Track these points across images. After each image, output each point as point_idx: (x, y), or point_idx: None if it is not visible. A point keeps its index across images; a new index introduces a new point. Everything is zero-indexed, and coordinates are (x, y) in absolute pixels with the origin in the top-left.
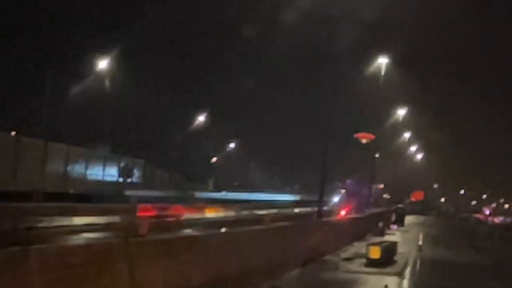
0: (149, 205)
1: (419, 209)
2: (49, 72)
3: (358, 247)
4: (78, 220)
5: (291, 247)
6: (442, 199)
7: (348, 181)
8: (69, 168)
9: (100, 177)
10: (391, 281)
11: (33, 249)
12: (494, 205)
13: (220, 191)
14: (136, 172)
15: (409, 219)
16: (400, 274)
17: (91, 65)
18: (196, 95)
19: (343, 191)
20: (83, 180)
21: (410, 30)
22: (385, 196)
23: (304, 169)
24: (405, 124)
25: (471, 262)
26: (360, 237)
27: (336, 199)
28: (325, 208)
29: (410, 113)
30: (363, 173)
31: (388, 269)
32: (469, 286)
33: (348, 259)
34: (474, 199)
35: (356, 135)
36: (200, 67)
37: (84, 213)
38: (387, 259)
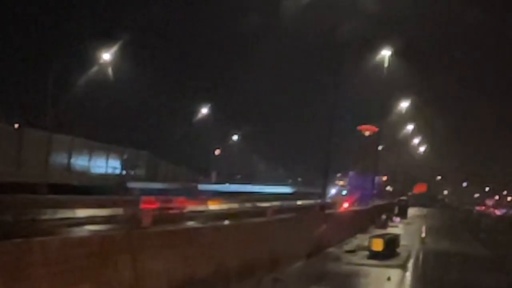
0: (152, 197)
1: (422, 201)
2: (52, 64)
3: (361, 239)
4: (81, 212)
5: (294, 239)
6: (445, 192)
7: (351, 173)
8: (72, 160)
9: (103, 170)
10: (394, 273)
11: (36, 241)
12: (497, 197)
13: (223, 183)
14: (140, 164)
15: (412, 211)
16: (403, 267)
17: (95, 57)
18: (200, 87)
19: (340, 183)
20: (86, 172)
21: (413, 23)
22: (388, 188)
23: (307, 161)
24: (408, 116)
25: (474, 255)
26: (363, 229)
27: (333, 191)
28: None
29: (413, 105)
30: (366, 165)
31: (391, 262)
32: (472, 279)
33: (351, 252)
34: (477, 192)
35: (359, 128)
36: (204, 59)
37: (87, 205)
38: (390, 251)
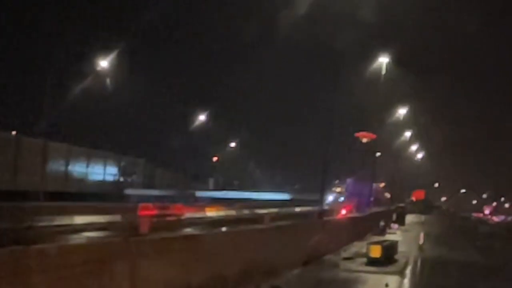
0: (149, 204)
1: (420, 208)
2: (50, 71)
3: (359, 246)
4: (79, 219)
5: (292, 246)
6: (443, 198)
7: (349, 180)
8: (70, 167)
9: (101, 177)
10: (392, 280)
11: (33, 248)
12: (494, 204)
13: (220, 190)
14: (137, 171)
15: (410, 218)
16: (400, 273)
17: (92, 64)
18: (198, 94)
19: (338, 189)
20: (84, 179)
21: (410, 29)
22: (386, 195)
23: (305, 168)
24: (406, 123)
25: (471, 262)
26: (360, 236)
27: (330, 198)
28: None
29: (411, 112)
30: (364, 172)
31: (389, 268)
32: (470, 286)
33: (348, 259)
34: (475, 199)
35: (357, 135)
36: (202, 67)
37: (84, 212)
38: (387, 258)
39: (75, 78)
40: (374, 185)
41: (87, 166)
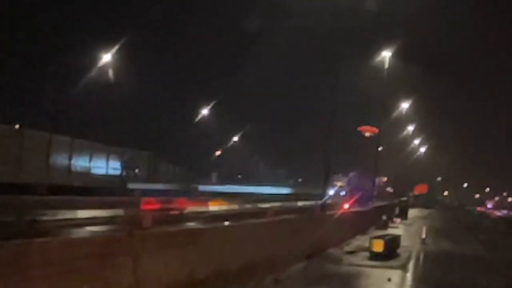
0: (153, 198)
1: (423, 202)
2: (53, 65)
3: (361, 240)
4: (82, 213)
5: (295, 240)
6: (446, 192)
7: (351, 174)
8: (73, 161)
9: (104, 170)
10: (394, 274)
11: (36, 242)
12: (497, 198)
13: (224, 184)
14: (140, 165)
15: (412, 212)
16: (403, 267)
17: (96, 58)
18: (201, 88)
19: (339, 183)
20: (87, 173)
21: (413, 23)
22: (389, 189)
23: (308, 162)
24: (408, 117)
25: (474, 256)
26: (363, 230)
27: (331, 192)
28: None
29: (413, 106)
30: (366, 166)
31: (392, 263)
32: (472, 279)
33: (351, 253)
34: (477, 193)
35: (359, 129)
36: (205, 60)
37: (88, 206)
38: (390, 252)
39: (79, 72)
40: (377, 179)
41: (90, 160)
